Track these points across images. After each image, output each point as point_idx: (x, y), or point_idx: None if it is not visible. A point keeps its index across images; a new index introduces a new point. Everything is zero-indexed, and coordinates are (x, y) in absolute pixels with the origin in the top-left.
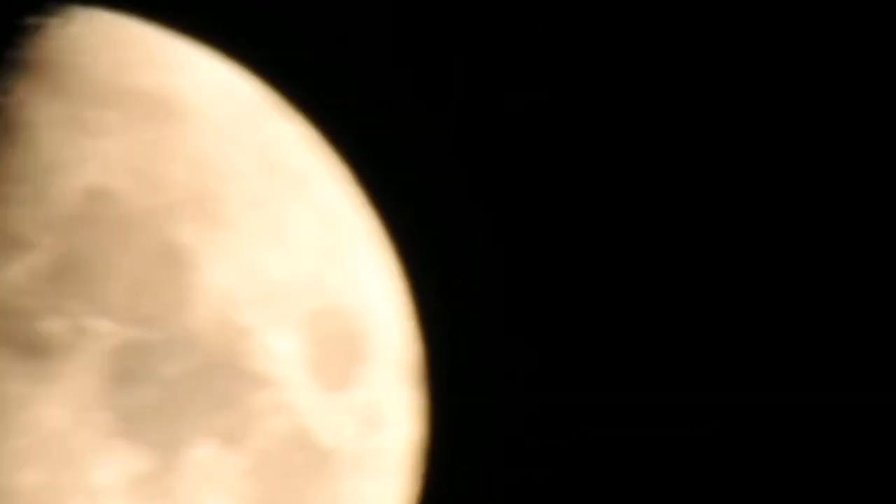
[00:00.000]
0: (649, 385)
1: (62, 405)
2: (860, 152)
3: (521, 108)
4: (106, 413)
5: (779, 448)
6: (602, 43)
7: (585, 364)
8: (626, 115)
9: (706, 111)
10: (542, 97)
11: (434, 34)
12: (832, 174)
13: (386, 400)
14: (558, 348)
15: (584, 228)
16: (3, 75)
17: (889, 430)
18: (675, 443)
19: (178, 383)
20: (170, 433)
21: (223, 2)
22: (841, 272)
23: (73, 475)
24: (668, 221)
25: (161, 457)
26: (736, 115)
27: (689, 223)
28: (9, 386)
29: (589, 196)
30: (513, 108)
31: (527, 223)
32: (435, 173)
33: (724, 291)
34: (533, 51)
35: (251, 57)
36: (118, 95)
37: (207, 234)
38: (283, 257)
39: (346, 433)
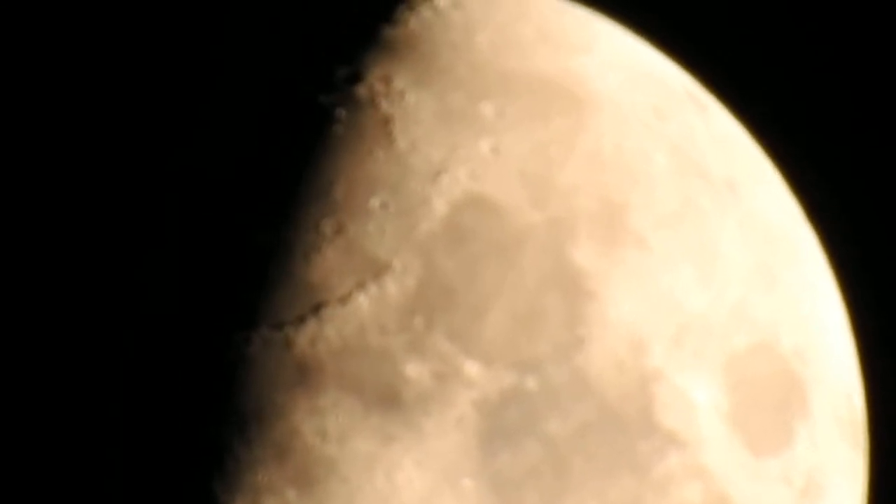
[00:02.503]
0: None
1: (420, 469)
2: None
3: None
4: (475, 480)
5: None
6: None
7: None
8: None
9: None
10: None
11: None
12: None
13: (828, 465)
14: None
15: None
16: (358, 57)
17: None
18: None
19: (566, 442)
20: None
21: None
22: None
23: None
24: None
25: None
26: None
27: None
28: (355, 444)
29: None
30: None
31: None
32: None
33: None
34: None
35: (673, 36)
36: (501, 83)
37: (610, 255)
38: (703, 283)
39: None
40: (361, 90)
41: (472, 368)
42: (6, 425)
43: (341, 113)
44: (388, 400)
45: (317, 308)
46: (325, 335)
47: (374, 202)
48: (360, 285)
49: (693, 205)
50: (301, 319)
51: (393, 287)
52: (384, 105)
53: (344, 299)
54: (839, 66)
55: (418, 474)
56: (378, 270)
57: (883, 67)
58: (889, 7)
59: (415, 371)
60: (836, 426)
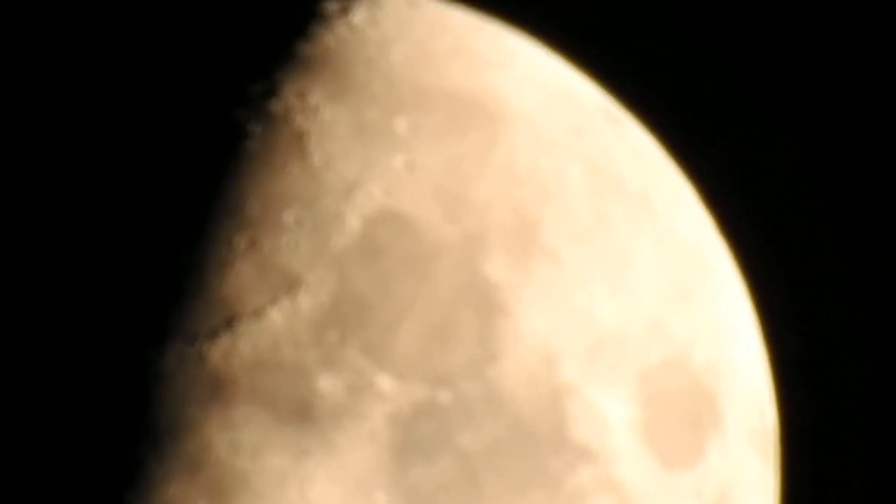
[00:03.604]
0: None
1: (333, 483)
2: None
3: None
4: (388, 494)
5: None
6: None
7: None
8: None
9: None
10: None
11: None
12: None
13: (739, 479)
14: None
15: None
16: (273, 73)
17: None
18: None
19: (478, 457)
20: None
21: None
22: None
23: None
24: None
25: None
26: None
27: None
28: (269, 459)
29: None
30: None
31: None
32: (804, 196)
33: None
34: None
35: (587, 53)
36: (416, 98)
37: (523, 270)
38: (615, 298)
39: None
40: (276, 106)
41: (385, 382)
42: None
43: (256, 128)
44: (302, 414)
45: (230, 322)
46: (239, 349)
47: (288, 217)
48: (274, 300)
49: (607, 220)
50: (214, 333)
51: (306, 301)
52: (299, 120)
53: (257, 313)
54: (751, 81)
55: (331, 488)
56: (291, 285)
57: (794, 79)
58: (798, 14)
59: (328, 385)
60: (748, 440)
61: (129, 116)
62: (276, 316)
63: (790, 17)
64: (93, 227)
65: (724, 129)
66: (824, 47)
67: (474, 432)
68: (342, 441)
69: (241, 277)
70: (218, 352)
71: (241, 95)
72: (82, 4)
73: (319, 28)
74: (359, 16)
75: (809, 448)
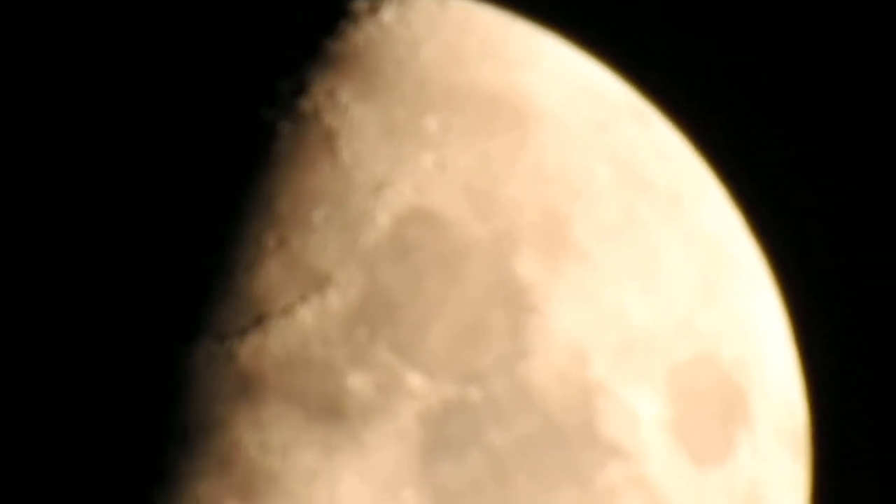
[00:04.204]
0: None
1: (363, 481)
2: None
3: None
4: (417, 492)
5: None
6: None
7: None
8: None
9: None
10: None
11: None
12: None
13: (769, 476)
14: None
15: None
16: (302, 71)
17: None
18: None
19: (508, 454)
20: None
21: None
22: None
23: None
24: None
25: None
26: None
27: None
28: (298, 457)
29: None
30: None
31: None
32: (842, 197)
33: None
34: None
35: (616, 50)
36: (445, 97)
37: (553, 268)
38: (646, 296)
39: None
40: (306, 104)
41: (415, 380)
42: None
43: (285, 126)
44: (331, 412)
45: (260, 320)
46: (268, 347)
47: (318, 215)
48: (303, 298)
49: (636, 217)
50: (244, 332)
51: (336, 299)
52: (328, 119)
53: (287, 312)
54: (782, 80)
55: (360, 487)
56: (321, 283)
57: (824, 81)
58: (825, 21)
59: (358, 383)
60: (778, 437)
61: (159, 115)
62: (306, 314)
63: (830, 18)
64: (122, 225)
65: (755, 128)
66: (860, 50)
67: (504, 430)
68: (371, 439)
69: (271, 276)
70: (247, 350)
71: (270, 94)
72: (112, 4)
73: (349, 26)
74: (388, 14)
75: (840, 445)
